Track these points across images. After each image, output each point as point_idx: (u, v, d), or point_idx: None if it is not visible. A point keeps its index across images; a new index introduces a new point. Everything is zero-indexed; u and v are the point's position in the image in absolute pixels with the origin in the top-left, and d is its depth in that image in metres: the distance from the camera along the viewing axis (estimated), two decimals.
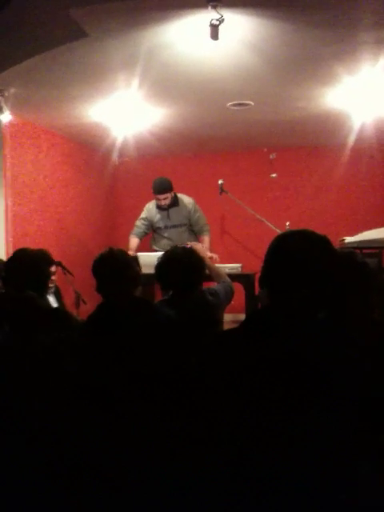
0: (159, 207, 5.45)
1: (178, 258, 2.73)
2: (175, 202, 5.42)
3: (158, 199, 5.34)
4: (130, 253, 4.83)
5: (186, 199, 5.53)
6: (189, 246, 3.05)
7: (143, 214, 5.58)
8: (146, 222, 5.56)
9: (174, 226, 5.49)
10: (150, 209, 5.54)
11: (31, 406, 1.94)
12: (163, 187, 5.29)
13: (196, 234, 5.63)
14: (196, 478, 1.38)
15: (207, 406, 1.41)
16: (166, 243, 5.25)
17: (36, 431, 1.91)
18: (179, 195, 5.49)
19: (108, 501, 1.84)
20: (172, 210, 5.43)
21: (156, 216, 5.49)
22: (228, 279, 3.17)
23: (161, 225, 5.50)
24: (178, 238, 5.35)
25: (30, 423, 1.92)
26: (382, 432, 1.29)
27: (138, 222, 5.59)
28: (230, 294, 3.05)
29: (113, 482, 1.85)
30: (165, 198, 5.30)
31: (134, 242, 5.52)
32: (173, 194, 5.37)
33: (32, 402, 1.94)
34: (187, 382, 1.56)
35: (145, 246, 5.63)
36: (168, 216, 5.44)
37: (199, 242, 5.54)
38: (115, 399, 1.97)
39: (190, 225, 5.57)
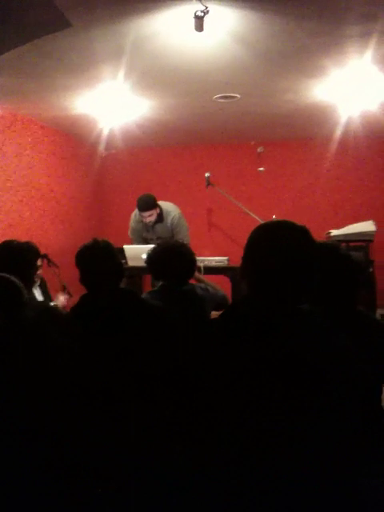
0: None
1: (170, 249, 2.77)
2: (160, 218, 5.25)
3: (142, 217, 5.20)
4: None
5: (171, 212, 5.31)
6: None
7: (131, 223, 5.46)
8: (135, 233, 5.44)
9: (159, 238, 5.22)
10: (136, 220, 5.39)
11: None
12: (147, 206, 5.12)
13: None
14: (196, 477, 1.38)
15: (206, 406, 1.40)
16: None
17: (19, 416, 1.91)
18: (165, 206, 5.29)
19: (108, 501, 1.84)
20: (157, 226, 5.30)
21: (143, 229, 5.37)
22: (222, 290, 3.20)
23: (147, 237, 5.39)
24: None
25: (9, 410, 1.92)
26: (382, 432, 1.29)
27: (132, 235, 5.46)
28: (221, 298, 3.05)
29: (113, 481, 1.85)
30: (150, 215, 5.16)
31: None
32: (158, 211, 5.20)
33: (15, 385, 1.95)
34: (185, 380, 1.55)
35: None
36: (153, 230, 5.33)
37: None
38: (99, 387, 1.97)
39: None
